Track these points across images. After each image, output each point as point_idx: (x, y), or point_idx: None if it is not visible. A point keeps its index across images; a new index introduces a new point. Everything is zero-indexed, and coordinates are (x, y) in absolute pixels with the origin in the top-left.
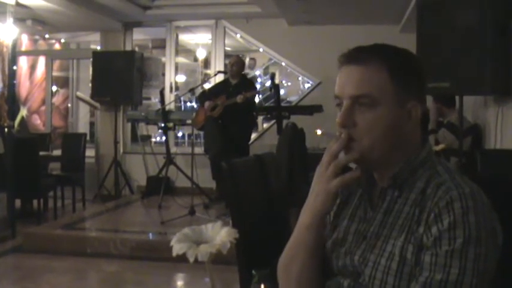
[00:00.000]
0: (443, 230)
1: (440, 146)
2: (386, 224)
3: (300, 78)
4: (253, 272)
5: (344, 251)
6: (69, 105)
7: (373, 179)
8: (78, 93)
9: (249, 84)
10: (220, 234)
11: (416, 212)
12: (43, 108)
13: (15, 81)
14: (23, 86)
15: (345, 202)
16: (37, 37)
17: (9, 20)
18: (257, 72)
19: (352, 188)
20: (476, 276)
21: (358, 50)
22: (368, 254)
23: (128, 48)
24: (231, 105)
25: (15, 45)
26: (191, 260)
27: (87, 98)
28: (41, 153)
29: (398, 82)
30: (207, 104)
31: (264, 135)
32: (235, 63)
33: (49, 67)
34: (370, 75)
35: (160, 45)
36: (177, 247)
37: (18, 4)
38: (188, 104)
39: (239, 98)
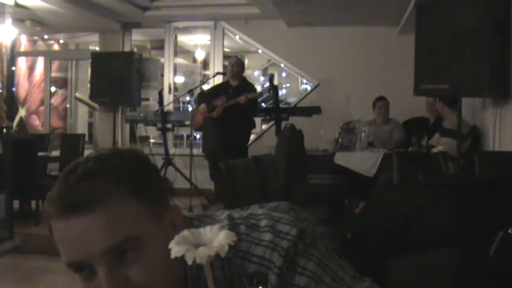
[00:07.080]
0: None
1: (439, 148)
2: None
3: (298, 80)
4: None
5: None
6: (68, 106)
7: None
8: (77, 94)
9: (250, 86)
10: (218, 237)
11: None
12: (42, 108)
13: (13, 82)
14: (22, 87)
15: None
16: (36, 38)
17: (8, 21)
18: (256, 73)
19: None
20: None
21: (77, 192)
22: None
23: (127, 49)
24: (231, 107)
25: (14, 46)
26: (189, 262)
27: (86, 98)
28: (40, 153)
29: (143, 197)
30: (202, 106)
31: (262, 137)
32: (236, 64)
33: (48, 68)
34: (113, 215)
35: (159, 46)
36: (176, 249)
37: (17, 5)
38: (187, 105)
39: (241, 99)
